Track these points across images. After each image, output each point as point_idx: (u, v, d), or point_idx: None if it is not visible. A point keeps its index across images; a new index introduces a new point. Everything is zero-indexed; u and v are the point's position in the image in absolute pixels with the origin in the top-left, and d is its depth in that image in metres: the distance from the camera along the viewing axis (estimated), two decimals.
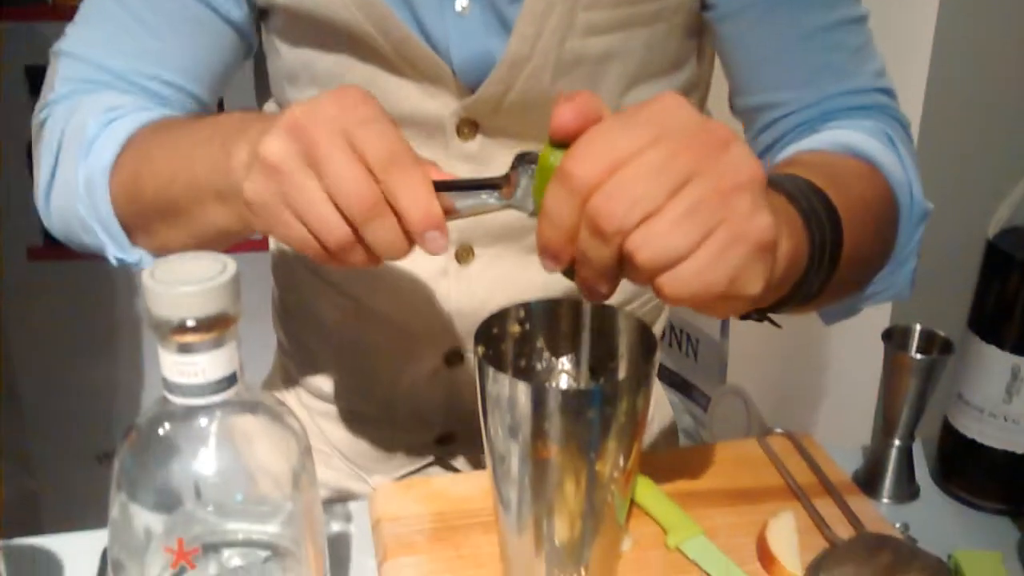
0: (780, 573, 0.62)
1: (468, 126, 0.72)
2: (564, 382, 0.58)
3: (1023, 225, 0.68)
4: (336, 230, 0.50)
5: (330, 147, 0.49)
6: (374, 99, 0.52)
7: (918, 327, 0.72)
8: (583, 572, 0.56)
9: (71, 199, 0.68)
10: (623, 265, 0.46)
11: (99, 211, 0.67)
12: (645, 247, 0.44)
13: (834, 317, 0.72)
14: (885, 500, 0.73)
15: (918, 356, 0.70)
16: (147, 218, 0.66)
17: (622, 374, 0.56)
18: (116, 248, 0.68)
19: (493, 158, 0.73)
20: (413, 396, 0.83)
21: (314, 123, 0.50)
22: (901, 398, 0.71)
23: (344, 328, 0.83)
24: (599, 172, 0.44)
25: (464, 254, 0.76)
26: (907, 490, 0.74)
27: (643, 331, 0.54)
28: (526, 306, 0.57)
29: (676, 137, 0.45)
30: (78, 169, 0.67)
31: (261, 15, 0.75)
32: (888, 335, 0.72)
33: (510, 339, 0.57)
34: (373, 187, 0.49)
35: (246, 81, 0.82)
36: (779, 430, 0.77)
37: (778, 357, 1.40)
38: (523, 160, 0.51)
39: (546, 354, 0.58)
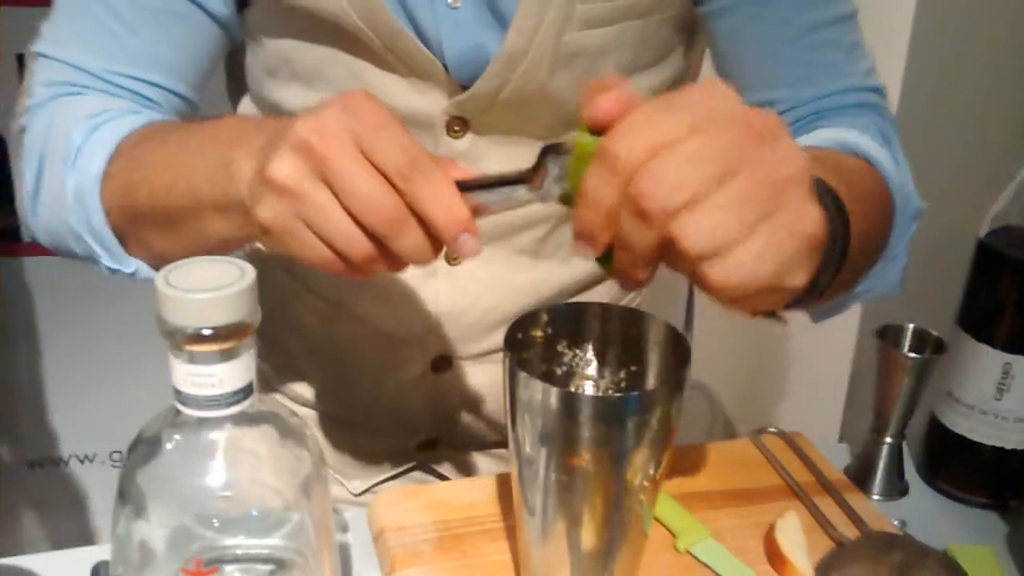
0: (791, 573, 0.62)
1: (458, 124, 0.70)
2: (588, 388, 0.57)
3: (1014, 224, 0.69)
4: (360, 246, 0.48)
5: (343, 161, 0.47)
6: (379, 103, 0.49)
7: (911, 326, 0.73)
8: None
9: (60, 210, 0.65)
10: (665, 251, 0.44)
11: (91, 222, 0.64)
12: (693, 233, 0.42)
13: (824, 315, 0.72)
14: (875, 497, 0.74)
15: (912, 355, 0.71)
16: (142, 228, 0.63)
17: (650, 381, 0.55)
18: (110, 259, 0.65)
19: (483, 156, 0.71)
20: (397, 402, 0.81)
21: (322, 137, 0.47)
22: (894, 396, 0.72)
23: (325, 332, 0.81)
24: (643, 151, 0.43)
25: (455, 255, 0.74)
26: (897, 487, 0.75)
27: (675, 337, 0.53)
28: (552, 310, 0.55)
29: (724, 123, 0.43)
30: (66, 179, 0.64)
31: (241, 5, 0.72)
32: (881, 334, 0.72)
33: (535, 343, 0.56)
34: (394, 198, 0.47)
35: (216, 76, 0.78)
36: (772, 429, 0.77)
37: (743, 352, 1.41)
38: (551, 151, 0.49)
39: (569, 359, 0.57)
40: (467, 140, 0.71)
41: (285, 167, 0.48)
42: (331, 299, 0.79)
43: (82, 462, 1.80)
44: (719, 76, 0.75)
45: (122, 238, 0.64)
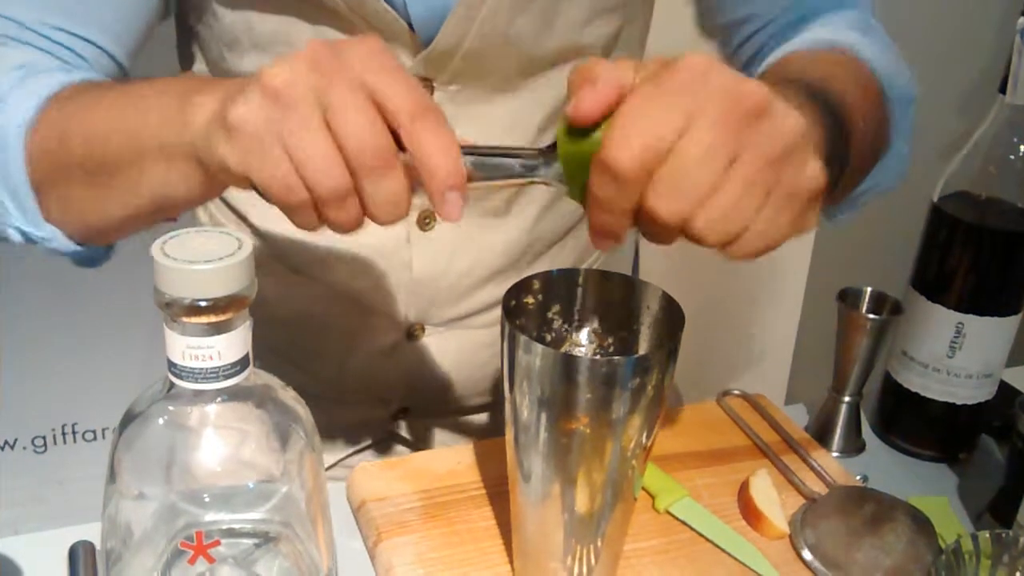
0: (768, 528, 0.64)
1: (424, 83, 0.70)
2: (581, 354, 0.58)
3: (966, 189, 0.72)
4: (334, 176, 0.44)
5: (347, 88, 0.44)
6: (392, 53, 0.47)
7: (868, 289, 0.76)
8: (599, 542, 0.55)
9: None
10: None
11: (9, 174, 0.59)
12: (710, 232, 0.44)
13: (838, 214, 0.71)
14: (835, 453, 0.77)
15: (871, 316, 0.73)
16: (69, 182, 0.58)
17: (640, 347, 0.56)
18: (24, 220, 0.60)
19: (449, 115, 0.71)
20: (368, 372, 0.80)
21: (336, 59, 0.45)
22: (853, 356, 0.75)
23: (287, 302, 0.79)
24: (645, 158, 0.43)
25: (426, 220, 0.74)
26: (855, 443, 0.78)
27: (669, 304, 0.54)
28: (544, 276, 0.56)
29: (715, 108, 0.43)
30: None
31: None
32: (842, 296, 0.75)
33: (528, 310, 0.56)
34: (388, 137, 0.45)
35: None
36: (736, 392, 0.79)
37: (689, 318, 1.42)
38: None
39: (559, 325, 0.57)
40: (433, 100, 0.70)
41: (286, 72, 0.44)
42: (296, 267, 0.78)
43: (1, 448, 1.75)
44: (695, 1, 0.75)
45: (41, 199, 0.60)
